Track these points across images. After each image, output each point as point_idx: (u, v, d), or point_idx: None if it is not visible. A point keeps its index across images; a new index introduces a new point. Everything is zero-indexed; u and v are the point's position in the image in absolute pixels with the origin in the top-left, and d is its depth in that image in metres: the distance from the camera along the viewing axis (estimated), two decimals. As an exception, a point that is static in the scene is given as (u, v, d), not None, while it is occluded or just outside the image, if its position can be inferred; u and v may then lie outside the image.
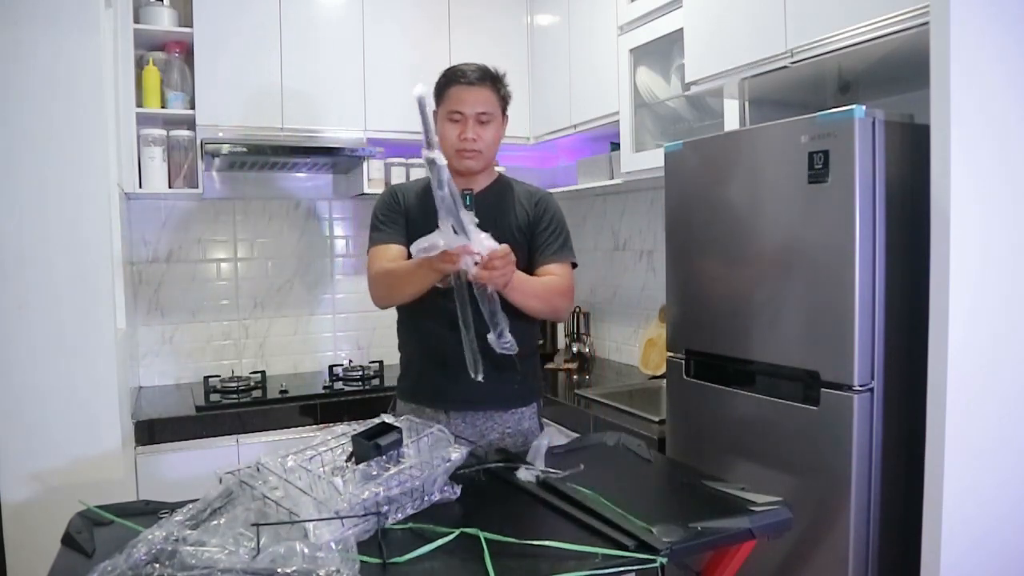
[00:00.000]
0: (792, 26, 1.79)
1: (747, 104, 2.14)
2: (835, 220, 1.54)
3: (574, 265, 1.88)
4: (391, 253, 1.81)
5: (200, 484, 1.36)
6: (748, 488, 1.37)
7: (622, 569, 1.14)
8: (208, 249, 3.03)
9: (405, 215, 1.86)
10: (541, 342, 3.26)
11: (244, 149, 2.64)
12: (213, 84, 2.69)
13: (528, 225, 1.85)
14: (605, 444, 1.74)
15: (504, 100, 1.85)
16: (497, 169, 1.99)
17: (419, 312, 1.83)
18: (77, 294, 2.06)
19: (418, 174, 3.08)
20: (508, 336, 1.57)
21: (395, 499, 1.25)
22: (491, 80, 1.81)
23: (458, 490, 1.38)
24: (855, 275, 1.51)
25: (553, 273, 1.81)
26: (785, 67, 1.82)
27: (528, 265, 1.83)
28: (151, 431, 2.40)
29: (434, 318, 1.79)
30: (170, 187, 2.73)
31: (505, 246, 1.50)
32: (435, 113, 1.85)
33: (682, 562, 1.62)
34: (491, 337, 1.57)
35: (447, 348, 1.79)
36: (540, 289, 1.76)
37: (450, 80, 1.80)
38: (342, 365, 3.03)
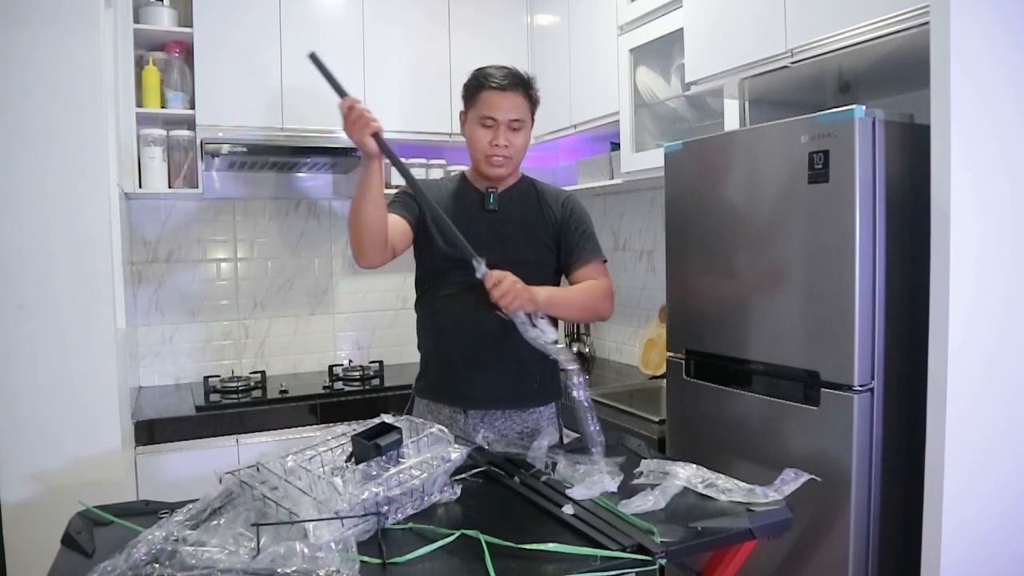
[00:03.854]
0: (792, 26, 1.79)
1: (747, 104, 2.14)
2: (835, 220, 1.54)
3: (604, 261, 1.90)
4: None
5: (200, 484, 1.36)
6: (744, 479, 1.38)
7: (621, 571, 1.14)
8: (208, 249, 3.03)
9: (421, 212, 1.83)
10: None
11: (244, 149, 2.64)
12: (213, 84, 2.69)
13: (556, 225, 1.85)
14: (605, 444, 1.73)
15: (534, 104, 1.84)
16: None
17: (438, 312, 1.83)
18: (77, 294, 2.06)
19: (417, 174, 3.07)
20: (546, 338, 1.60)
21: (395, 499, 1.25)
22: (523, 85, 1.80)
23: (458, 490, 1.38)
24: (855, 275, 1.51)
25: (592, 277, 1.84)
26: (785, 67, 1.82)
27: (560, 266, 1.86)
28: (151, 431, 2.40)
29: (453, 318, 1.80)
30: (170, 187, 2.73)
31: (504, 273, 1.58)
32: (463, 115, 1.86)
33: (682, 562, 1.62)
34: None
35: (465, 348, 1.79)
36: (579, 298, 1.80)
37: (482, 84, 1.79)
38: (342, 365, 3.03)
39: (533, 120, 1.86)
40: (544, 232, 1.84)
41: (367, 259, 1.71)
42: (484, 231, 1.78)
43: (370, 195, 1.64)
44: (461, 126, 1.88)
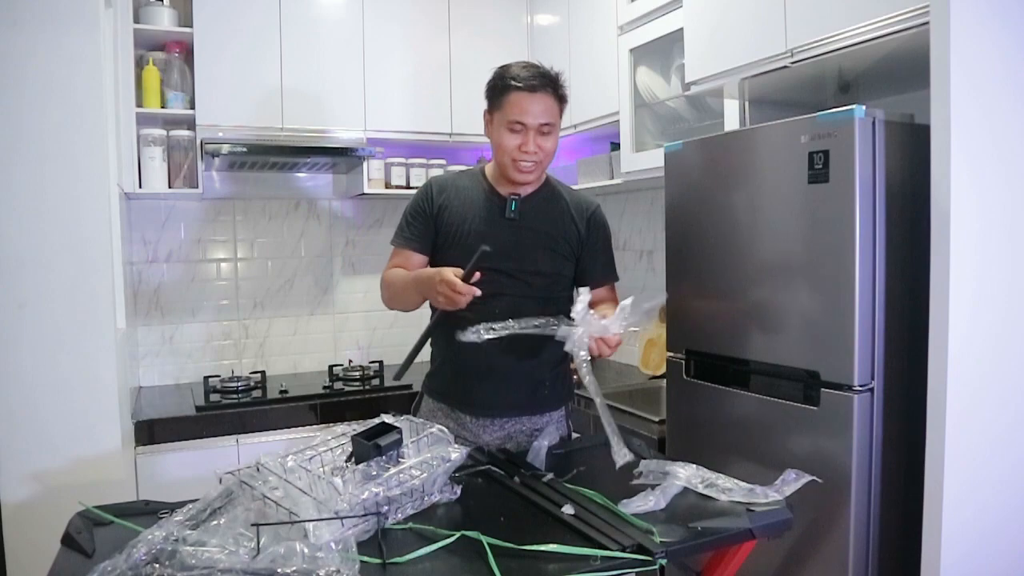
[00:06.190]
0: (792, 26, 1.79)
1: (747, 104, 2.14)
2: (835, 220, 1.54)
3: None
4: (407, 260, 1.80)
5: (200, 484, 1.36)
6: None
7: (621, 571, 1.14)
8: (208, 249, 3.03)
9: (436, 215, 1.80)
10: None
11: (244, 149, 2.64)
12: (213, 84, 2.69)
13: (578, 239, 1.81)
14: (605, 444, 1.73)
15: (563, 104, 1.75)
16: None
17: (451, 318, 1.79)
18: (77, 294, 2.06)
19: (418, 174, 3.08)
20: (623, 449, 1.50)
21: (395, 499, 1.25)
22: (552, 85, 1.70)
23: (458, 490, 1.38)
24: (855, 275, 1.51)
25: (605, 298, 1.84)
26: (785, 67, 1.82)
27: (575, 278, 1.83)
28: (151, 431, 2.40)
29: (465, 326, 1.77)
30: (170, 187, 2.73)
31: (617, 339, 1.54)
32: (487, 115, 1.77)
33: (682, 562, 1.62)
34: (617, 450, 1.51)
35: (476, 357, 1.76)
36: None
37: (509, 85, 1.69)
38: (342, 365, 3.03)
39: (561, 120, 1.77)
40: (565, 245, 1.80)
41: (401, 311, 1.87)
42: (504, 239, 1.74)
43: (417, 302, 1.76)
44: (485, 127, 1.79)
